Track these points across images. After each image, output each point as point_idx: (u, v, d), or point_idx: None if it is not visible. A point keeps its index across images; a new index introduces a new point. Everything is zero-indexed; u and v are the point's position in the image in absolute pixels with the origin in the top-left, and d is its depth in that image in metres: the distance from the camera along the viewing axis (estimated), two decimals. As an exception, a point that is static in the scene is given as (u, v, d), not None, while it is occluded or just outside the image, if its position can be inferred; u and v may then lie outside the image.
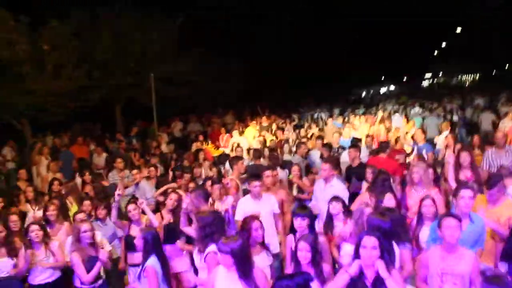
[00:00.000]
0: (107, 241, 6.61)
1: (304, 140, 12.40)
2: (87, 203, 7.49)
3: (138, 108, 20.67)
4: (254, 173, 6.96)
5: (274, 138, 13.43)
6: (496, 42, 37.66)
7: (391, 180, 6.42)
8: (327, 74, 41.96)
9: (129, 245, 6.25)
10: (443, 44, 48.83)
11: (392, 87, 58.65)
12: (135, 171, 9.40)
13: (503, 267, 4.56)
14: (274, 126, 16.13)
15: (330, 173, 6.93)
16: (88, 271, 5.56)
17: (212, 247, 4.82)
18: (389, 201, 5.79)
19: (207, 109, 23.80)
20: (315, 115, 21.12)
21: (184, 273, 6.14)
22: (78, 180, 9.95)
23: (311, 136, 13.65)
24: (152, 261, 4.99)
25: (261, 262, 4.91)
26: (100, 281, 5.73)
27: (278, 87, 34.37)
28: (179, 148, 14.60)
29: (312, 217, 5.08)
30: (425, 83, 61.10)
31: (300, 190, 8.03)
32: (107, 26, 18.04)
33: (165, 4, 20.58)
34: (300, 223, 5.02)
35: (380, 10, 44.79)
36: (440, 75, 59.65)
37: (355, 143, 9.91)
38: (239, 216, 6.14)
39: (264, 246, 5.15)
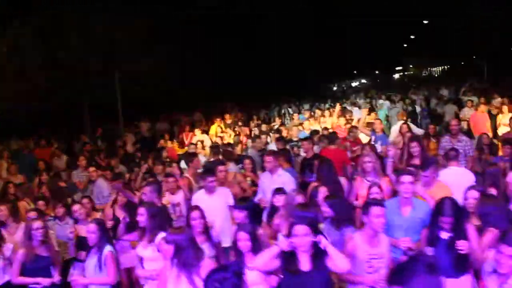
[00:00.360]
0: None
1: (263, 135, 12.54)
2: (41, 203, 7.54)
3: (106, 109, 20.52)
4: (207, 169, 7.07)
5: (234, 134, 13.57)
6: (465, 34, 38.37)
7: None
8: (298, 70, 42.33)
9: (79, 245, 6.33)
10: (412, 37, 49.42)
11: (363, 81, 59.38)
12: (92, 169, 9.43)
13: (429, 252, 4.73)
14: (239, 123, 16.28)
15: (275, 164, 7.11)
16: (31, 271, 5.47)
17: (162, 235, 4.95)
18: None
19: (175, 109, 23.75)
20: (282, 110, 21.34)
21: (133, 268, 6.22)
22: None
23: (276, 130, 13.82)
24: (110, 248, 5.23)
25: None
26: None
27: (248, 85, 34.44)
28: (147, 147, 14.63)
29: (251, 209, 5.19)
30: (396, 76, 62.08)
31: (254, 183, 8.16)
32: (72, 26, 17.87)
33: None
34: (237, 215, 5.15)
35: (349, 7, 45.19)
36: (411, 67, 60.65)
37: (309, 136, 10.09)
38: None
39: (207, 237, 5.26)
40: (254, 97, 31.22)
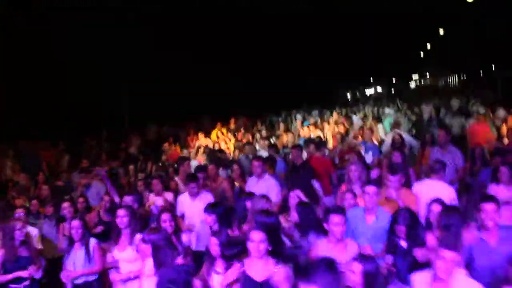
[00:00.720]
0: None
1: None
2: (34, 202, 7.84)
3: (114, 113, 20.95)
4: (190, 175, 7.25)
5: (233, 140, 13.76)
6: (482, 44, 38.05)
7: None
8: (312, 74, 42.37)
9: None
10: (428, 46, 49.20)
11: (379, 89, 59.11)
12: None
13: (389, 260, 4.85)
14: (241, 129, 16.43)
15: (262, 169, 7.29)
16: (10, 271, 5.69)
17: (139, 236, 5.22)
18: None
19: (186, 113, 24.05)
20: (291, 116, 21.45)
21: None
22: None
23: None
24: (95, 240, 5.76)
25: None
26: (25, 283, 5.79)
27: (261, 89, 34.58)
28: (153, 151, 14.94)
29: (220, 214, 5.35)
30: (412, 85, 61.65)
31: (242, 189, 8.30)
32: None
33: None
34: (207, 219, 5.33)
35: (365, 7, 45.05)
36: (427, 77, 60.24)
37: (299, 144, 10.21)
38: (178, 212, 6.57)
39: (176, 239, 5.43)
40: (266, 102, 31.39)
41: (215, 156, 9.64)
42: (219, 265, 4.49)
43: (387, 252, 4.90)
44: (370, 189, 5.30)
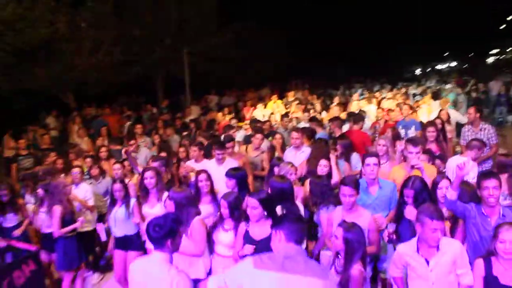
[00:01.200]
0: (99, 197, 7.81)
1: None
2: (88, 160, 8.64)
3: (177, 83, 21.74)
4: (218, 142, 7.67)
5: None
6: None
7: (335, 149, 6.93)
8: (381, 48, 41.28)
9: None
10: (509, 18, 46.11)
11: (453, 63, 56.49)
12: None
13: (391, 227, 5.08)
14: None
15: (301, 141, 7.62)
16: (68, 223, 6.34)
17: (166, 194, 5.72)
18: (320, 168, 6.33)
19: (246, 85, 24.50)
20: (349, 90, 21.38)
21: None
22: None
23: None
24: (134, 200, 6.39)
25: (204, 211, 5.60)
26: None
27: (328, 62, 34.27)
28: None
29: (239, 177, 5.77)
30: (490, 60, 58.29)
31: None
32: (145, 3, 19.15)
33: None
34: (227, 183, 5.77)
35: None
36: (508, 51, 56.56)
37: (338, 116, 10.33)
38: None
39: (212, 197, 5.92)
40: (331, 77, 31.23)
41: (256, 126, 9.99)
42: (228, 223, 4.94)
43: (393, 220, 5.13)
44: (371, 160, 5.48)
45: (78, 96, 18.75)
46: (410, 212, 4.79)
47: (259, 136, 8.36)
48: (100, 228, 6.90)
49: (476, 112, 8.31)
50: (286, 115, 11.42)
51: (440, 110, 10.41)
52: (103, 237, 6.90)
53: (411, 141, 6.13)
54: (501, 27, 50.29)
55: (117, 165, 7.71)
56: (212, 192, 6.01)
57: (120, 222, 6.25)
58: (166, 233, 3.43)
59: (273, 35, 26.38)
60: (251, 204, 4.52)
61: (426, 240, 3.99)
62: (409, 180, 4.98)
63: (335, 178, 6.27)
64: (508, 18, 46.38)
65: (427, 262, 4.03)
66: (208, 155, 8.13)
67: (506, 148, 11.79)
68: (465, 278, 4.03)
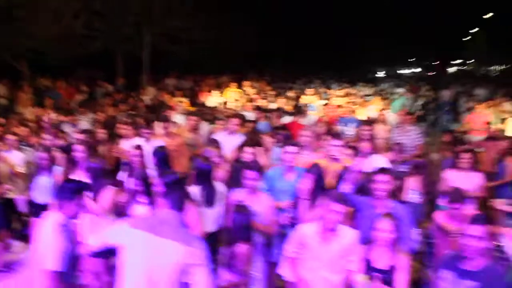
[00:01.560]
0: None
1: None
2: (24, 129, 8.69)
3: (137, 61, 21.66)
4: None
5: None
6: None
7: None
8: (352, 50, 41.99)
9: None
10: (472, 30, 47.64)
11: (418, 70, 57.96)
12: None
13: (291, 212, 5.42)
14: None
15: (237, 127, 8.02)
16: None
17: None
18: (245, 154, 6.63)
19: (208, 71, 24.59)
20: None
21: None
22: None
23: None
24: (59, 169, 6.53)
25: None
26: None
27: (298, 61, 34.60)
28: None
29: (159, 157, 6.08)
30: (453, 69, 60.07)
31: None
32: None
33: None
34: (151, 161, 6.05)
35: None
36: (469, 62, 58.48)
37: (280, 107, 10.73)
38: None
39: None
40: (298, 70, 31.53)
41: (202, 111, 10.25)
42: (142, 198, 5.19)
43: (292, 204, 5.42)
44: (291, 149, 5.80)
45: (36, 66, 18.47)
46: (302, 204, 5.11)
47: (193, 118, 8.64)
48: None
49: (406, 115, 8.81)
50: (225, 103, 11.69)
51: (379, 111, 10.86)
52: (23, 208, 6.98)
53: (335, 135, 6.49)
54: (465, 39, 51.80)
55: (46, 135, 7.83)
56: (143, 167, 6.21)
57: (43, 190, 6.38)
58: (66, 196, 3.65)
59: (241, 24, 26.49)
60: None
61: (326, 221, 4.30)
62: (310, 168, 5.30)
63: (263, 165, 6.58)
64: (472, 31, 47.66)
65: (325, 245, 4.35)
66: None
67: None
68: (352, 264, 4.38)
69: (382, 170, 4.95)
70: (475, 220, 3.74)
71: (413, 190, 6.88)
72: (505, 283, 3.70)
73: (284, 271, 5.06)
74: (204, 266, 3.37)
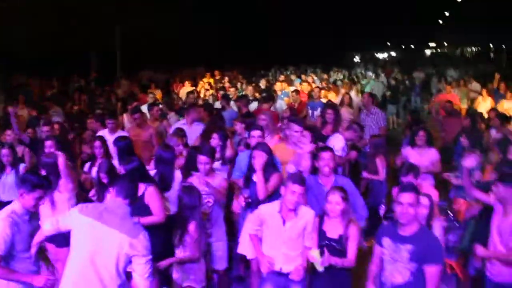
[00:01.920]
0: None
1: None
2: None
3: (112, 57, 21.67)
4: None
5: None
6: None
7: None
8: (326, 35, 42.15)
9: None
10: (446, 13, 48.26)
11: (393, 54, 58.50)
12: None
13: (245, 193, 5.64)
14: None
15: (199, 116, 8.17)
16: None
17: None
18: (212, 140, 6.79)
19: (183, 64, 24.66)
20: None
21: None
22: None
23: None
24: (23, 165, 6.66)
25: None
26: None
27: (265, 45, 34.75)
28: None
29: (119, 147, 6.25)
30: (428, 52, 60.81)
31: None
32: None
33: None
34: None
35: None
36: (444, 45, 59.34)
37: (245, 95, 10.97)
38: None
39: None
40: (267, 59, 31.66)
41: (169, 102, 10.44)
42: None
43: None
44: (255, 132, 6.07)
45: (11, 63, 18.40)
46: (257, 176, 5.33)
47: (156, 108, 8.83)
48: None
49: (369, 97, 9.12)
50: (192, 92, 11.87)
51: (343, 94, 11.15)
52: None
53: (295, 121, 6.72)
54: (441, 22, 52.43)
55: (9, 131, 7.79)
56: (108, 157, 6.38)
57: (8, 188, 6.29)
58: (25, 186, 3.82)
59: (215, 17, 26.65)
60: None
61: (286, 202, 4.51)
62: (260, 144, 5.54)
63: (228, 151, 6.79)
64: (447, 14, 48.27)
65: (284, 222, 4.57)
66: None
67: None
68: (308, 241, 4.62)
69: (324, 148, 5.20)
70: (405, 188, 3.99)
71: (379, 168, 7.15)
72: (438, 245, 3.97)
73: (244, 249, 5.34)
74: (146, 257, 3.57)
